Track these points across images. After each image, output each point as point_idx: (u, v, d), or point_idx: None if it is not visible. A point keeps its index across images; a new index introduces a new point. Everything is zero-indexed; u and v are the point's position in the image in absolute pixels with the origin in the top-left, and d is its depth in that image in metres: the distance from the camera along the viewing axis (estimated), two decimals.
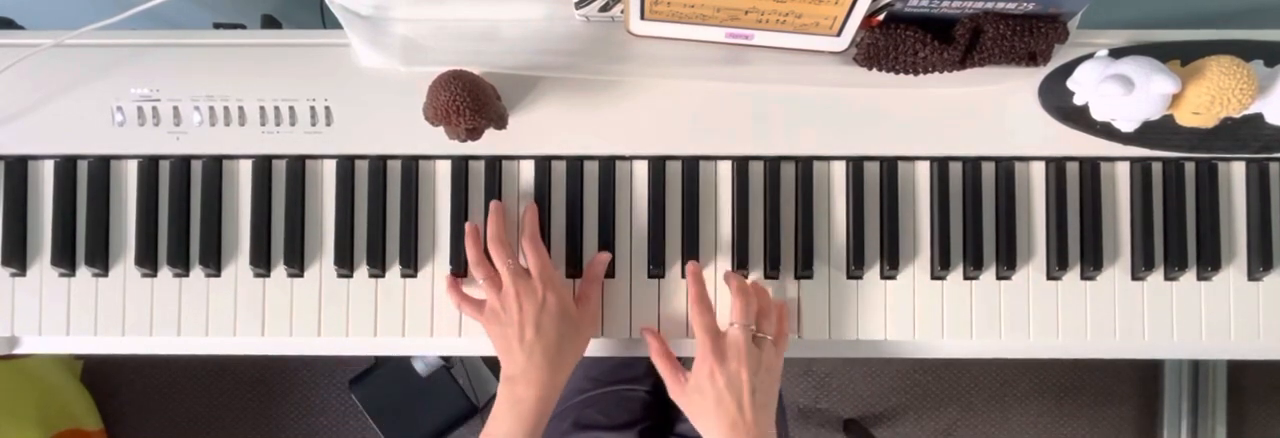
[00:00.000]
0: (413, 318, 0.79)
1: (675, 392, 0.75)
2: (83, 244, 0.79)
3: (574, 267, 0.79)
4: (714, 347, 0.72)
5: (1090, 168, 0.79)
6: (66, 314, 0.79)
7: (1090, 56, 0.74)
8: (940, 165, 0.79)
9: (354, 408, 1.60)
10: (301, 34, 0.80)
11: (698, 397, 0.72)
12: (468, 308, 0.77)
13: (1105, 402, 1.76)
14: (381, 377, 1.47)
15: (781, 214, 0.79)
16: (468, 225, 0.77)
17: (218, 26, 0.85)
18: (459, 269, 0.79)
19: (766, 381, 0.73)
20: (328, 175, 0.79)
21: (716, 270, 0.79)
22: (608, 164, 0.79)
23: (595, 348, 0.80)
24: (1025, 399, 1.76)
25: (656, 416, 1.07)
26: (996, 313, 0.79)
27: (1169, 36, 0.78)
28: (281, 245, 0.79)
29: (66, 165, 0.79)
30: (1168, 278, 0.79)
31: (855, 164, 0.79)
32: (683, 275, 0.78)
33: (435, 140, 0.76)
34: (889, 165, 0.79)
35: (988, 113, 0.79)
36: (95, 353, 0.83)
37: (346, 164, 0.79)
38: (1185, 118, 0.76)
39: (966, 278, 0.79)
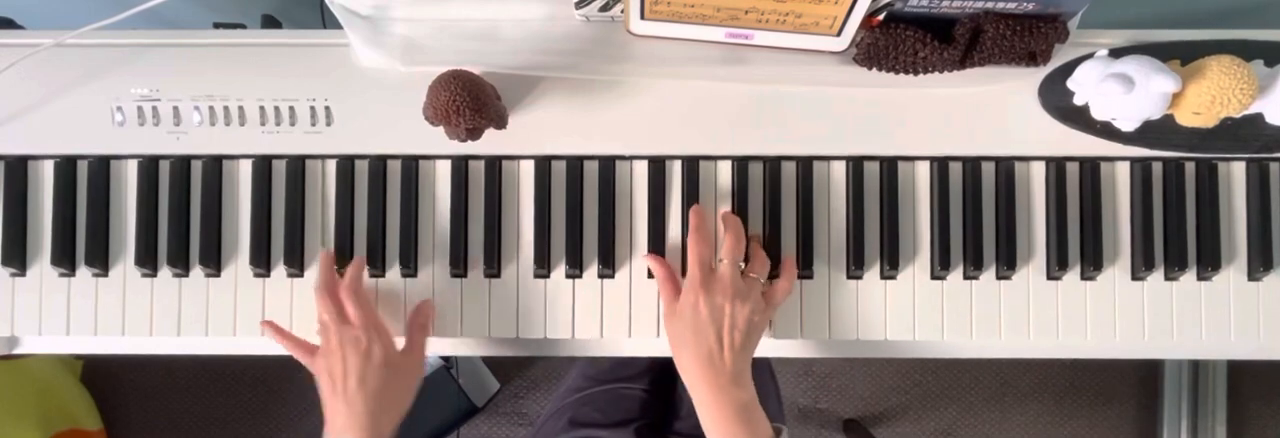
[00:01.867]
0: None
1: (667, 318, 0.75)
2: (83, 244, 0.79)
3: (574, 267, 0.79)
4: (703, 279, 0.72)
5: (1090, 168, 0.79)
6: (66, 314, 0.79)
7: (1090, 56, 0.74)
8: (940, 165, 0.79)
9: None
10: (301, 34, 0.80)
11: (679, 324, 0.73)
12: (299, 353, 0.76)
13: (1105, 402, 1.76)
14: None
15: (782, 214, 0.79)
16: (323, 256, 0.77)
17: (218, 26, 0.85)
18: (458, 271, 0.79)
19: (751, 321, 0.72)
20: (328, 175, 0.79)
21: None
22: (608, 164, 0.79)
23: (594, 348, 0.80)
24: (1025, 399, 1.76)
25: (653, 414, 1.07)
26: (996, 313, 0.79)
27: (1169, 36, 0.78)
28: (281, 245, 0.79)
29: (66, 165, 0.79)
30: (1168, 278, 0.79)
31: (855, 164, 0.79)
32: (682, 276, 0.78)
33: (435, 140, 0.76)
34: (889, 165, 0.79)
35: (988, 113, 0.79)
36: (95, 353, 0.83)
37: (346, 164, 0.79)
38: (1185, 118, 0.76)
39: (966, 278, 0.79)
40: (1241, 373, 1.72)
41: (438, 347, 0.80)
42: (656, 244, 0.78)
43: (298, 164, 0.79)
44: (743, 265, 0.74)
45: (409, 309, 0.79)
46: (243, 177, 0.79)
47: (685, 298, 0.73)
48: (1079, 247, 0.78)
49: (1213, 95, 0.71)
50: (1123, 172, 0.79)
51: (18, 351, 0.81)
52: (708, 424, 0.71)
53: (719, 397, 0.70)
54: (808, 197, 0.78)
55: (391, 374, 0.73)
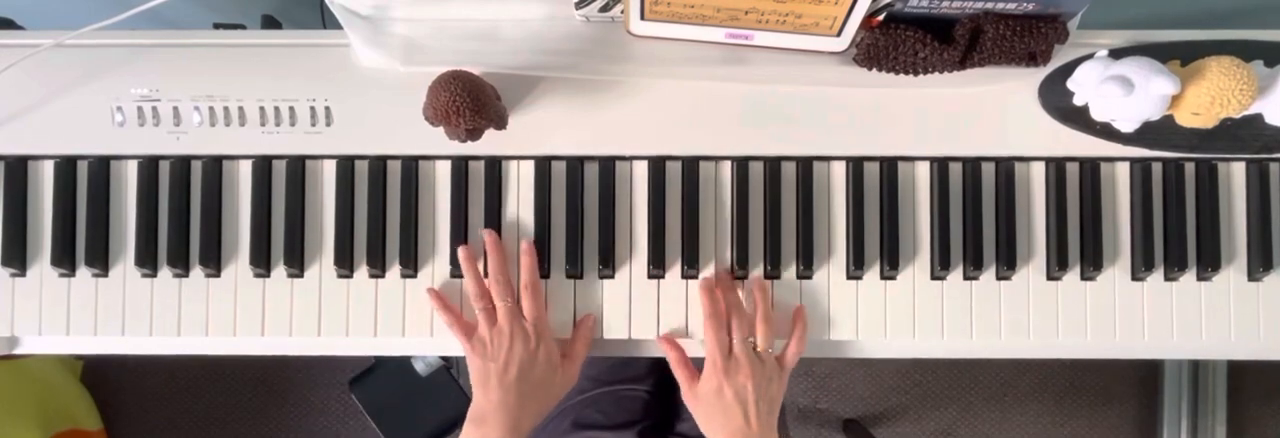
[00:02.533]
0: (413, 318, 0.79)
1: (689, 396, 0.78)
2: (83, 244, 0.79)
3: (575, 266, 0.79)
4: (724, 364, 0.75)
5: (1090, 168, 0.79)
6: (66, 314, 0.79)
7: (1090, 57, 0.74)
8: (940, 165, 0.79)
9: (354, 408, 1.60)
10: (301, 34, 0.80)
11: (706, 408, 0.76)
12: (458, 327, 0.76)
13: (1105, 402, 1.76)
14: (381, 377, 1.47)
15: (782, 214, 0.78)
16: (462, 251, 0.77)
17: (218, 26, 0.85)
18: (459, 271, 0.79)
19: (771, 392, 0.76)
20: (328, 175, 0.79)
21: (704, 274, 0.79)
22: (608, 164, 0.79)
23: (596, 348, 0.80)
24: (1025, 399, 1.76)
25: (656, 415, 1.07)
26: (996, 313, 0.79)
27: (1169, 36, 0.78)
28: (281, 245, 0.79)
29: (66, 165, 0.79)
30: (1168, 278, 0.79)
31: (855, 164, 0.79)
32: (682, 276, 0.79)
33: (435, 140, 0.76)
34: (889, 165, 0.79)
35: (988, 113, 0.79)
36: (95, 353, 0.83)
37: (346, 164, 0.79)
38: (1185, 118, 0.76)
39: (966, 278, 0.79)
40: (1241, 373, 1.72)
41: (437, 347, 0.80)
42: (657, 244, 0.78)
43: (298, 164, 0.79)
44: (753, 341, 0.76)
45: (408, 310, 0.79)
46: (243, 177, 0.79)
47: (707, 383, 0.76)
48: (1079, 247, 0.78)
49: (1212, 96, 0.71)
50: (1123, 172, 0.79)
51: (18, 351, 0.81)
52: None
53: None
54: (808, 197, 0.78)
55: (550, 376, 0.75)
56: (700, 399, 0.77)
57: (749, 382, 0.74)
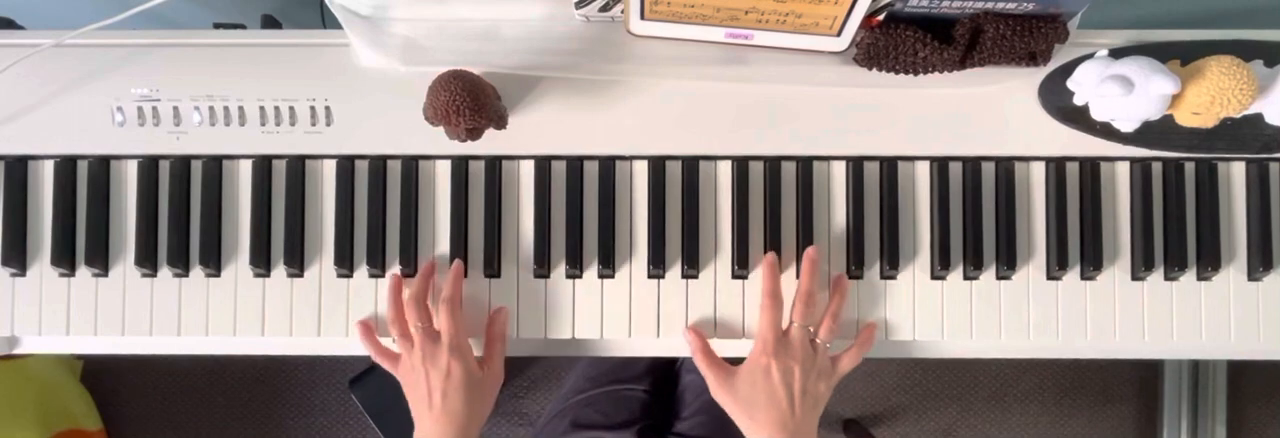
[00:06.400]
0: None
1: (720, 388, 0.75)
2: (83, 244, 0.79)
3: (575, 267, 0.79)
4: (777, 343, 0.72)
5: (1090, 168, 0.79)
6: (66, 314, 0.79)
7: (1090, 56, 0.74)
8: (940, 165, 0.79)
9: (354, 408, 1.60)
10: (301, 34, 0.80)
11: (749, 390, 0.73)
12: (384, 361, 0.77)
13: (1105, 402, 1.76)
14: (381, 377, 1.47)
15: (782, 214, 0.78)
16: (390, 277, 0.77)
17: (218, 26, 0.85)
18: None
19: (819, 386, 0.73)
20: (328, 175, 0.79)
21: (719, 273, 0.79)
22: (608, 164, 0.79)
23: (595, 349, 0.80)
24: (1025, 399, 1.76)
25: (654, 415, 1.07)
26: (996, 313, 0.79)
27: (1169, 36, 0.78)
28: (281, 245, 0.79)
29: (66, 165, 0.79)
30: (1168, 278, 0.79)
31: (855, 164, 0.79)
32: (682, 276, 0.78)
33: (435, 140, 0.76)
34: (889, 165, 0.79)
35: (988, 113, 0.79)
36: (95, 353, 0.83)
37: (346, 164, 0.79)
38: (1185, 118, 0.76)
39: (966, 278, 0.79)
40: (1241, 373, 1.72)
41: None
42: (657, 244, 0.78)
43: (298, 164, 0.79)
44: (812, 330, 0.74)
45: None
46: (243, 177, 0.79)
47: (755, 362, 0.73)
48: (1079, 247, 0.78)
49: (1212, 96, 0.71)
50: (1123, 172, 0.79)
51: (18, 351, 0.81)
52: None
53: None
54: (808, 197, 0.78)
55: (471, 390, 0.74)
56: (739, 383, 0.73)
57: (798, 367, 0.72)
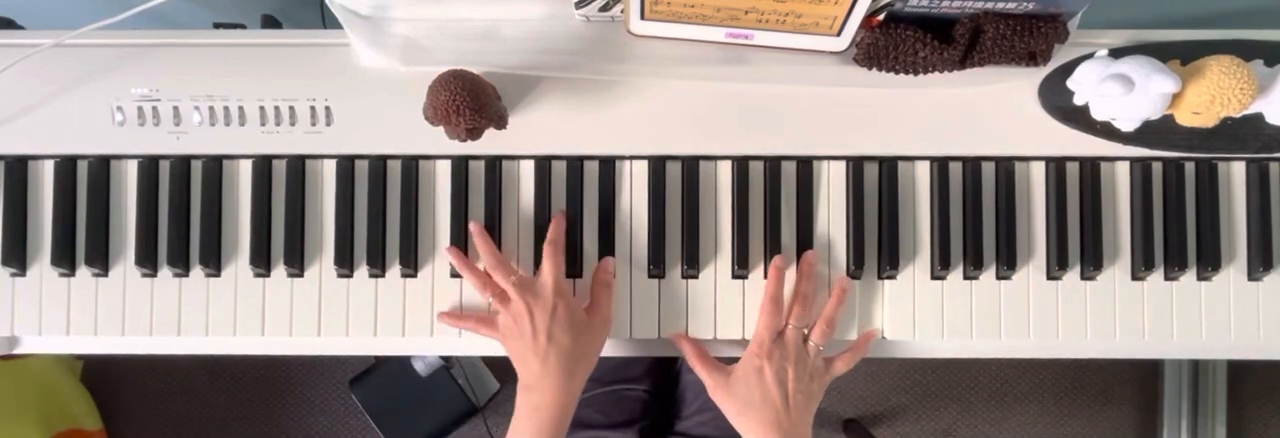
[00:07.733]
0: (413, 318, 0.79)
1: (717, 389, 0.76)
2: (83, 244, 0.79)
3: (574, 266, 0.79)
4: (770, 346, 0.74)
5: (1090, 168, 0.79)
6: (66, 314, 0.79)
7: (1090, 56, 0.74)
8: (940, 165, 0.79)
9: (354, 408, 1.60)
10: (301, 34, 0.80)
11: (744, 391, 0.74)
12: (482, 329, 0.77)
13: (1105, 402, 1.76)
14: (381, 377, 1.47)
15: (781, 214, 0.79)
16: (451, 252, 0.77)
17: (218, 26, 0.85)
18: (457, 272, 0.79)
19: (811, 388, 0.74)
20: (328, 175, 0.79)
21: (719, 272, 0.79)
22: (608, 164, 0.79)
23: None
24: (1025, 399, 1.76)
25: (655, 415, 1.07)
26: (996, 313, 0.79)
27: (1169, 36, 0.78)
28: (281, 245, 0.79)
29: (66, 165, 0.79)
30: (1168, 278, 0.79)
31: (855, 164, 0.79)
32: (682, 276, 0.78)
33: (435, 140, 0.76)
34: (889, 165, 0.79)
35: (988, 113, 0.79)
36: (95, 353, 0.83)
37: (346, 164, 0.79)
38: (1185, 118, 0.76)
39: (966, 278, 0.79)
40: (1241, 373, 1.72)
41: (437, 347, 0.80)
42: (656, 244, 0.78)
43: (298, 164, 0.79)
44: (806, 332, 0.76)
45: (408, 310, 0.79)
46: (243, 177, 0.79)
47: (749, 363, 0.75)
48: (1079, 247, 0.78)
49: (1212, 95, 0.71)
50: (1123, 172, 0.79)
51: (18, 351, 0.81)
52: None
53: None
54: (807, 197, 0.78)
55: (578, 332, 0.74)
56: (735, 383, 0.75)
57: (792, 367, 0.74)
